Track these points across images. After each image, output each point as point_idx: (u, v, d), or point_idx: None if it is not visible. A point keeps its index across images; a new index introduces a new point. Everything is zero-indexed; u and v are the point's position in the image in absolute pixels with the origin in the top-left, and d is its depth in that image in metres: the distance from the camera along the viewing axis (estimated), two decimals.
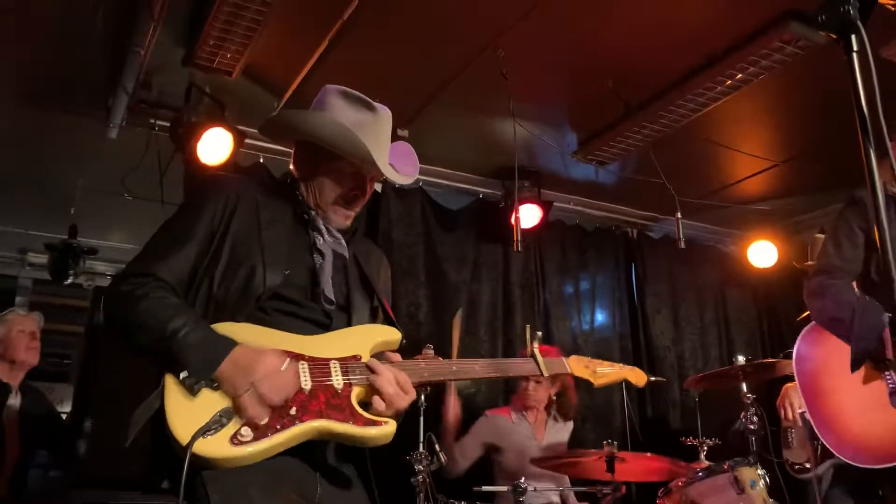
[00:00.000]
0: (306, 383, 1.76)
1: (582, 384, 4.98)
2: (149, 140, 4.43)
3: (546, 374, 2.10)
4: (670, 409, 5.66)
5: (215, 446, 1.62)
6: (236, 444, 1.64)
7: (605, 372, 2.22)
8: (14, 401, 4.17)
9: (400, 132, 4.62)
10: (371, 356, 1.88)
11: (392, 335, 1.98)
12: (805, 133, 3.78)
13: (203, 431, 1.60)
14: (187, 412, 1.65)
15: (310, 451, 1.78)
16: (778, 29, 3.61)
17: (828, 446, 2.36)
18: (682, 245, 4.52)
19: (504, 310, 5.35)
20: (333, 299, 1.95)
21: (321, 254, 1.99)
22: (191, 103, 4.21)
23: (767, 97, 4.29)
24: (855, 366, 2.31)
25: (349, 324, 1.98)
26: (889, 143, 1.24)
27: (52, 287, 6.05)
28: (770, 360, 3.58)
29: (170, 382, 1.69)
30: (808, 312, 2.60)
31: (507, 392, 4.76)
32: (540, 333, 2.12)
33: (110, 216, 5.65)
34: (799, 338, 2.61)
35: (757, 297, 6.33)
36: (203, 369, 1.69)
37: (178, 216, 1.97)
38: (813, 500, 3.27)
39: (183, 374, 1.68)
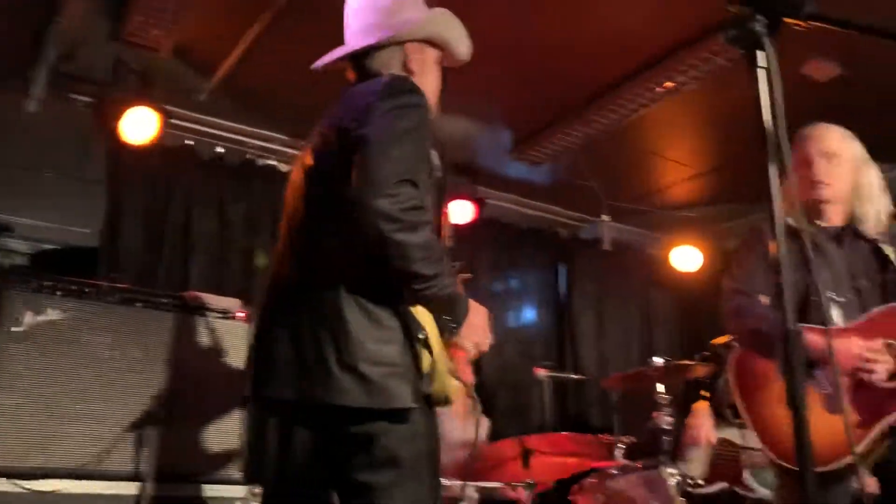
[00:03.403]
0: None
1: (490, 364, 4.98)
2: (70, 115, 4.26)
3: None
4: (590, 408, 5.76)
5: (455, 391, 1.79)
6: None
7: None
8: None
9: None
10: None
11: None
12: (729, 144, 3.90)
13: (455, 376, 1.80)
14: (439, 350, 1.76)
15: None
16: (707, 40, 3.71)
17: (774, 458, 2.36)
18: (607, 247, 4.61)
19: None
20: None
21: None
22: (116, 79, 4.08)
23: (696, 107, 4.39)
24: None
25: None
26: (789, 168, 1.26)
27: None
28: (686, 362, 3.65)
29: (428, 318, 1.74)
30: (723, 338, 2.60)
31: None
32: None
33: (27, 192, 5.41)
34: (731, 359, 2.61)
35: (680, 301, 6.48)
36: (461, 317, 1.77)
37: (416, 131, 1.75)
38: None
39: (446, 319, 1.76)
